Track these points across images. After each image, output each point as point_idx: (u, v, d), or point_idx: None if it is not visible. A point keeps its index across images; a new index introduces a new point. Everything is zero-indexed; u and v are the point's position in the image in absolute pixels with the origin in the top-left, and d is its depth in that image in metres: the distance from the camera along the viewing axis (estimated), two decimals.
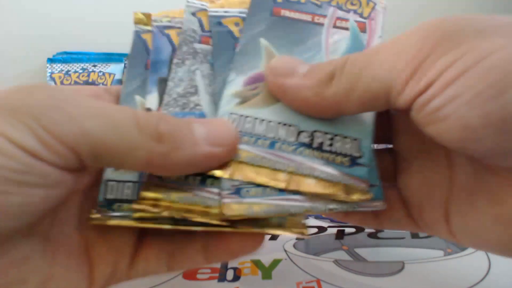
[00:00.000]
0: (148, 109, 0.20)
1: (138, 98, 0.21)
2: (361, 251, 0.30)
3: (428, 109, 0.15)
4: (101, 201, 0.19)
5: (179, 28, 0.22)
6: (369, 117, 0.20)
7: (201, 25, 0.22)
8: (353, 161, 0.19)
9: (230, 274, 0.27)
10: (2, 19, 0.60)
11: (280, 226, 0.19)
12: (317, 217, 0.36)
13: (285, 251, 0.30)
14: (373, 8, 0.22)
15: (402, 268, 0.27)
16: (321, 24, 0.22)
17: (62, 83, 0.61)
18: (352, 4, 0.22)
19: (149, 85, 0.21)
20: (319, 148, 0.19)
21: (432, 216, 0.20)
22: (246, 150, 0.19)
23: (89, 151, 0.15)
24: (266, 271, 0.27)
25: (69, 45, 0.65)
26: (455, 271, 0.27)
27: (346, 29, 0.22)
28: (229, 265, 0.28)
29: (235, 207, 0.18)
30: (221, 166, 0.18)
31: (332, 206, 0.18)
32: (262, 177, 0.18)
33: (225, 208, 0.18)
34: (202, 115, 0.20)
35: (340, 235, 0.33)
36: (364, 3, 0.22)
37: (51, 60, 0.62)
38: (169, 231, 0.19)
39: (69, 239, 0.18)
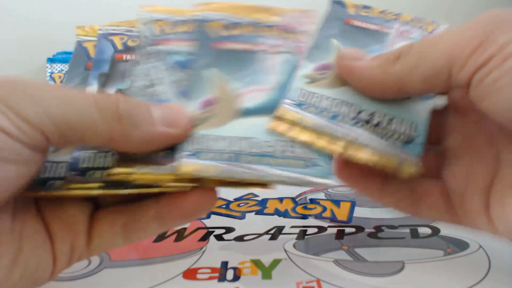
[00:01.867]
0: None
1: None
2: (361, 251, 0.30)
3: (486, 81, 0.17)
4: (36, 179, 0.20)
5: (122, 34, 0.25)
6: (426, 105, 0.22)
7: (152, 32, 0.24)
8: (409, 140, 0.22)
9: (230, 274, 0.27)
10: (2, 19, 0.60)
11: (247, 184, 0.21)
12: (317, 217, 0.36)
13: (285, 251, 0.30)
14: (436, 27, 0.25)
15: (402, 268, 0.27)
16: (387, 34, 0.24)
17: (62, 83, 0.62)
18: (417, 22, 0.25)
19: (90, 79, 0.23)
20: (378, 125, 0.21)
21: (473, 204, 0.22)
22: (310, 118, 0.21)
23: (54, 130, 0.16)
24: (266, 271, 0.27)
25: (69, 45, 0.65)
26: (455, 271, 0.27)
27: (410, 39, 0.24)
28: (229, 265, 0.28)
29: (190, 166, 0.20)
30: (287, 128, 0.21)
31: (284, 179, 0.20)
32: (322, 142, 0.21)
33: (182, 166, 0.20)
34: (167, 101, 0.22)
35: (340, 235, 0.33)
36: (428, 23, 0.25)
37: (51, 60, 0.62)
38: (121, 203, 0.21)
39: (31, 218, 0.19)
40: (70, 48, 0.66)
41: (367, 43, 0.24)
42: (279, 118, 0.21)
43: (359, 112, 0.21)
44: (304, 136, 0.21)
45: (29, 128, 0.16)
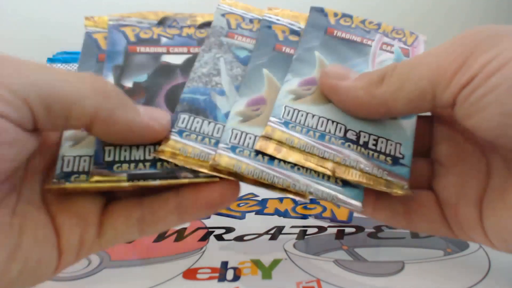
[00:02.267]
0: None
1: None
2: (361, 251, 0.30)
3: (471, 99, 0.17)
4: (59, 174, 0.20)
5: (134, 26, 0.25)
6: (410, 123, 0.23)
7: (229, 24, 0.25)
8: (395, 160, 0.22)
9: (230, 274, 0.27)
10: (3, 19, 0.60)
11: (285, 189, 0.21)
12: (317, 217, 0.36)
13: (285, 251, 0.30)
14: (416, 39, 0.25)
15: (402, 268, 0.27)
16: (369, 46, 0.24)
17: None
18: (397, 33, 0.25)
19: (104, 71, 0.23)
20: (365, 145, 0.21)
21: (466, 215, 0.21)
22: (298, 137, 0.21)
23: (39, 102, 0.15)
24: (266, 271, 0.27)
25: (69, 45, 0.65)
26: (455, 271, 0.27)
27: (391, 52, 0.24)
28: (229, 265, 0.28)
29: (225, 159, 0.20)
30: (275, 149, 0.21)
31: (312, 190, 0.20)
32: (310, 163, 0.21)
33: (217, 157, 0.20)
34: (222, 92, 0.22)
35: (340, 235, 0.33)
36: (408, 34, 0.25)
37: (51, 60, 0.62)
38: (136, 196, 0.21)
39: (34, 212, 0.19)
40: (70, 48, 0.66)
41: (349, 56, 0.24)
42: (267, 138, 0.21)
43: (346, 131, 0.21)
44: (293, 157, 0.21)
45: (13, 99, 0.15)
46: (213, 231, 0.33)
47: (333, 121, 0.22)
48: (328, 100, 0.22)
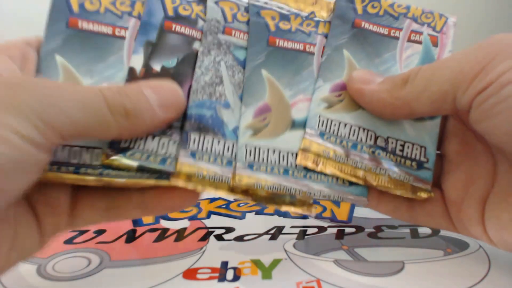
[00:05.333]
0: (132, 69, 0.21)
1: (59, 58, 0.20)
2: (361, 251, 0.30)
3: (484, 106, 0.18)
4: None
5: None
6: (434, 127, 0.23)
7: (224, 16, 0.23)
8: (420, 165, 0.22)
9: (230, 274, 0.27)
10: (3, 19, 0.60)
11: (292, 203, 0.21)
12: (317, 217, 0.36)
13: (285, 251, 0.30)
14: (445, 22, 0.25)
15: (402, 268, 0.27)
16: (396, 39, 0.24)
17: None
18: (426, 17, 0.25)
19: (136, 46, 0.21)
20: (393, 152, 0.22)
21: (469, 214, 0.23)
22: (333, 149, 0.22)
23: (72, 133, 0.17)
24: (266, 271, 0.27)
25: None
26: (455, 271, 0.27)
27: (419, 42, 0.24)
28: (229, 265, 0.28)
29: (245, 179, 0.20)
30: (314, 161, 0.21)
31: (326, 193, 0.21)
32: (344, 174, 0.22)
33: (237, 177, 0.20)
34: (227, 105, 0.21)
35: (340, 235, 0.33)
36: (437, 17, 0.25)
37: None
38: (101, 189, 0.21)
39: (22, 203, 0.20)
40: None
41: (377, 53, 0.24)
42: (306, 150, 0.21)
43: (376, 138, 0.22)
44: (329, 169, 0.21)
45: (52, 134, 0.16)
46: (213, 231, 0.33)
47: (364, 129, 0.22)
48: (358, 107, 0.23)
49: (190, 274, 0.27)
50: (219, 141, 0.21)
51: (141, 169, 0.20)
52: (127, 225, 0.34)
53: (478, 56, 0.19)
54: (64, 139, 0.17)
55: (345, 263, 0.28)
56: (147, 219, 0.36)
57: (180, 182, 0.20)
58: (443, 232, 0.33)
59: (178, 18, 0.22)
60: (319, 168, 0.21)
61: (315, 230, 0.34)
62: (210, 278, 0.26)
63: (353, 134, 0.22)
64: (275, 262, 0.28)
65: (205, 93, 0.21)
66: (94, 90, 0.18)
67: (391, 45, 0.24)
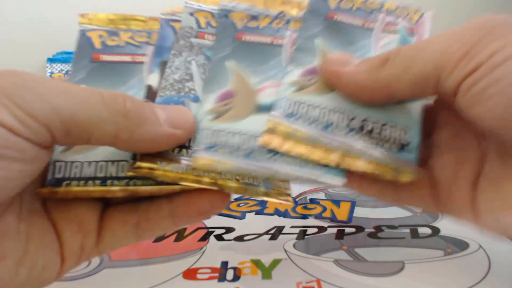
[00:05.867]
0: (149, 86, 0.22)
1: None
2: (361, 251, 0.30)
3: (474, 89, 0.16)
4: (50, 179, 0.20)
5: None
6: (417, 107, 0.22)
7: (198, 23, 0.24)
8: (402, 146, 0.21)
9: (230, 274, 0.27)
10: (3, 19, 0.60)
11: (266, 194, 0.21)
12: (317, 217, 0.36)
13: (285, 251, 0.30)
14: (421, 16, 0.24)
15: (402, 268, 0.27)
16: (371, 29, 0.24)
17: (66, 76, 0.62)
18: (401, 11, 0.24)
19: (152, 66, 0.23)
20: (370, 133, 0.21)
21: (459, 195, 0.21)
22: (302, 129, 0.21)
23: (60, 127, 0.16)
24: (266, 271, 0.27)
25: (69, 45, 0.65)
26: (455, 271, 0.27)
27: (395, 32, 0.24)
28: (229, 265, 0.28)
29: (206, 160, 0.20)
30: (279, 143, 0.20)
31: (293, 177, 0.20)
32: (317, 154, 0.20)
33: (194, 161, 0.20)
34: (196, 99, 0.22)
35: (340, 235, 0.33)
36: (412, 12, 0.24)
37: (51, 60, 0.63)
38: (132, 202, 0.21)
39: (38, 219, 0.19)
40: (70, 48, 0.66)
41: (352, 41, 0.23)
42: (271, 131, 0.20)
43: (351, 119, 0.21)
44: (299, 149, 0.20)
45: (35, 124, 0.15)
46: (213, 231, 0.33)
47: (338, 110, 0.21)
48: (330, 90, 0.21)
49: (190, 274, 0.27)
50: None
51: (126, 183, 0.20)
52: None
53: (465, 36, 0.17)
54: (53, 132, 0.16)
55: (345, 263, 0.28)
56: None
57: (144, 173, 0.20)
58: (443, 232, 0.33)
59: None
60: (284, 149, 0.20)
61: (315, 230, 0.34)
62: (210, 278, 0.26)
63: (325, 116, 0.21)
64: (275, 262, 0.28)
65: (173, 89, 0.22)
66: (92, 88, 0.17)
67: (366, 34, 0.23)
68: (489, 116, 0.17)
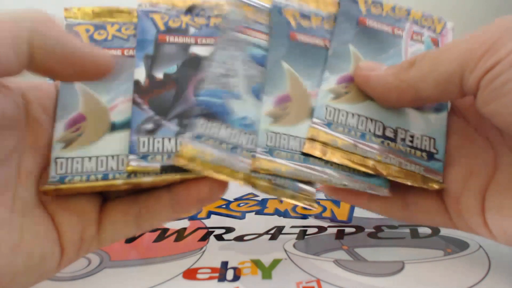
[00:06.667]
0: (137, 81, 0.22)
1: (77, 85, 0.22)
2: (361, 251, 0.30)
3: (493, 85, 0.17)
4: (53, 176, 0.20)
5: (163, 13, 0.24)
6: (443, 117, 0.23)
7: (243, 18, 0.24)
8: (431, 156, 0.23)
9: (230, 274, 0.27)
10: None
11: (293, 197, 0.21)
12: (317, 217, 0.36)
13: (285, 251, 0.30)
14: (444, 26, 0.25)
15: (402, 268, 0.27)
16: (400, 37, 0.25)
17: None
18: (426, 20, 0.25)
19: (136, 61, 0.23)
20: (402, 142, 0.22)
21: (469, 207, 0.22)
22: (341, 138, 0.22)
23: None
24: (266, 271, 0.27)
25: None
26: (455, 271, 0.27)
27: (421, 42, 0.25)
28: (229, 265, 0.28)
29: (265, 163, 0.21)
30: (321, 151, 0.22)
31: (346, 182, 0.21)
32: (353, 163, 0.22)
33: (256, 161, 0.21)
34: (238, 96, 0.22)
35: (340, 235, 0.33)
36: (436, 21, 0.25)
37: None
38: (132, 194, 0.22)
39: (32, 211, 0.19)
40: None
41: (382, 48, 0.24)
42: (313, 139, 0.22)
43: (384, 129, 0.22)
44: (337, 158, 0.21)
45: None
46: (213, 231, 0.33)
47: (372, 119, 0.22)
48: (365, 98, 0.23)
49: (190, 274, 0.27)
50: (226, 128, 0.21)
51: (164, 169, 0.21)
52: None
53: (487, 35, 0.18)
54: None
55: (345, 263, 0.28)
56: None
57: (181, 162, 0.20)
58: (443, 232, 0.33)
59: (169, 30, 0.24)
60: (327, 157, 0.21)
61: (315, 230, 0.34)
62: (210, 278, 0.26)
63: (361, 125, 0.22)
64: (275, 262, 0.28)
65: (218, 83, 0.22)
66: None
67: (396, 41, 0.24)
68: (505, 111, 0.18)
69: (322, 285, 0.25)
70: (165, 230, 0.33)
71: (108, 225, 0.21)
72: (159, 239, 0.32)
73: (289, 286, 0.25)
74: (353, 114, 0.22)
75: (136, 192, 0.22)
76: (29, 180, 0.20)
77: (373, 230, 0.33)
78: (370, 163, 0.22)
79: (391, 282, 0.25)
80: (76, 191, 0.21)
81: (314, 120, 0.22)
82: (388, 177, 0.22)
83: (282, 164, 0.21)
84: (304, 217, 0.36)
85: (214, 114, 0.21)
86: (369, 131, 0.22)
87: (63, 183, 0.20)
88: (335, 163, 0.22)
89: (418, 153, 0.22)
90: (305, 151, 0.21)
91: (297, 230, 0.33)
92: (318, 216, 0.37)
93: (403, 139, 0.22)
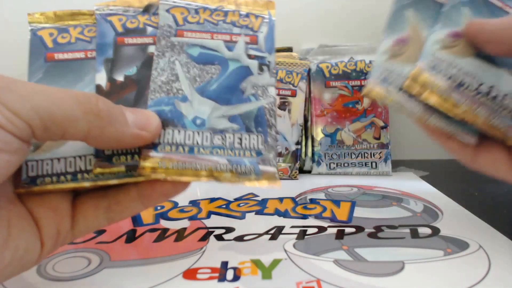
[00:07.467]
0: (98, 85, 0.23)
1: None
2: (361, 251, 0.30)
3: None
4: (25, 178, 0.21)
5: (120, 14, 0.25)
6: None
7: (175, 20, 0.25)
8: None
9: (230, 274, 0.27)
10: (3, 19, 0.60)
11: (257, 179, 0.22)
12: (317, 217, 0.36)
13: (285, 251, 0.30)
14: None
15: (402, 268, 0.27)
16: (506, 12, 0.27)
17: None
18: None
19: (97, 65, 0.23)
20: (494, 99, 0.24)
21: None
22: (439, 83, 0.24)
23: (39, 123, 0.18)
24: (266, 271, 0.27)
25: None
26: (455, 271, 0.27)
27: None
28: (229, 265, 0.28)
29: (377, 90, 0.25)
30: (418, 91, 0.25)
31: (443, 125, 0.26)
32: (446, 105, 0.24)
33: (369, 88, 0.26)
34: (184, 98, 0.23)
35: (340, 235, 0.33)
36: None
37: None
38: (102, 189, 0.23)
39: (15, 206, 0.21)
40: None
41: (496, 14, 0.26)
42: (415, 78, 0.24)
43: (480, 85, 0.24)
44: (432, 100, 0.24)
45: (18, 121, 0.17)
46: (213, 231, 0.33)
47: (471, 74, 0.24)
48: (469, 54, 0.25)
49: (190, 274, 0.27)
50: (179, 131, 0.22)
51: (129, 169, 0.22)
52: (127, 225, 0.34)
53: None
54: (33, 127, 0.17)
55: (345, 263, 0.28)
56: (147, 219, 0.36)
57: (145, 172, 0.21)
58: (443, 232, 0.33)
59: (128, 31, 0.24)
60: (423, 96, 0.24)
61: (315, 230, 0.34)
62: (210, 278, 0.26)
63: (460, 76, 0.24)
64: (275, 262, 0.28)
65: (162, 91, 0.23)
66: (68, 89, 0.19)
67: (502, 13, 0.26)
68: None
69: (322, 285, 0.25)
70: (165, 230, 0.34)
71: (81, 218, 0.23)
72: (159, 239, 0.32)
73: (289, 286, 0.25)
74: (455, 66, 0.24)
75: (105, 187, 0.23)
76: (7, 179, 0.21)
77: (373, 230, 0.33)
78: (460, 111, 0.24)
79: (391, 282, 0.25)
80: (48, 192, 0.22)
81: (420, 63, 0.25)
82: (473, 125, 0.24)
83: (391, 93, 0.25)
84: (304, 217, 0.36)
85: (166, 121, 0.22)
86: (466, 83, 0.24)
87: (35, 184, 0.21)
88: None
89: (505, 112, 0.25)
90: (403, 87, 0.25)
91: (297, 230, 0.33)
92: (318, 216, 0.37)
93: (495, 97, 0.24)
